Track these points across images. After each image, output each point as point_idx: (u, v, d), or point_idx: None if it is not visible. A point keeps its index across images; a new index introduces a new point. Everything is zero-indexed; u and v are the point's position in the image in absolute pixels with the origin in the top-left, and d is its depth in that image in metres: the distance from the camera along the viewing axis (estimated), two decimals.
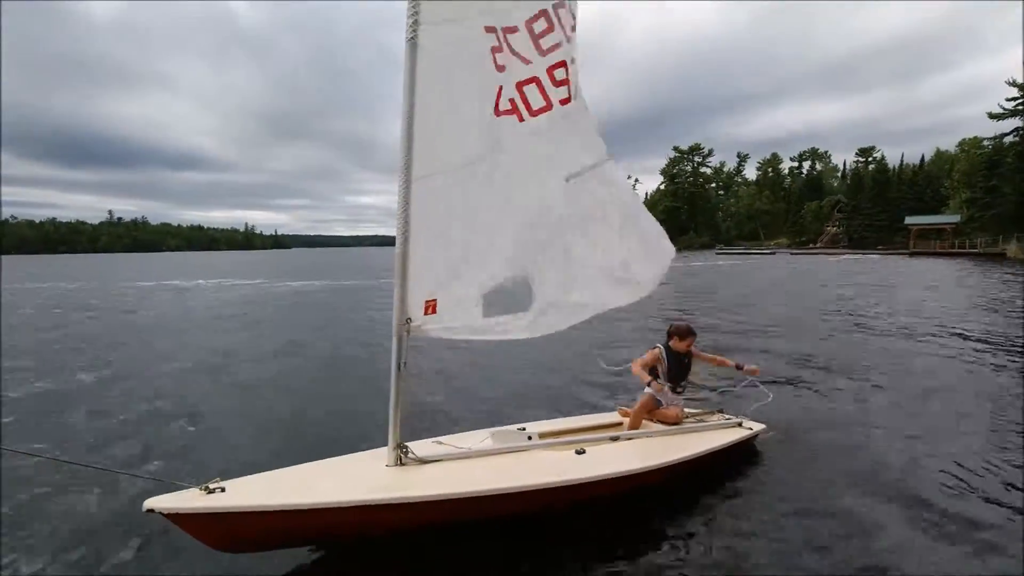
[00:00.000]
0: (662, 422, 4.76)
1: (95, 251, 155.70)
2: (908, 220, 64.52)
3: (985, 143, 60.42)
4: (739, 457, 4.65)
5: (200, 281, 31.66)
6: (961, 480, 4.25)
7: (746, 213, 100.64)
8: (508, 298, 3.57)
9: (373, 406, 5.86)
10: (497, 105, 3.37)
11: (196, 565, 3.14)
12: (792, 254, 66.68)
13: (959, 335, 10.67)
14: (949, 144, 78.72)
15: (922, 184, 72.98)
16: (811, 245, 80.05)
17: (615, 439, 4.24)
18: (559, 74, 3.43)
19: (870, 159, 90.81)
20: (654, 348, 4.91)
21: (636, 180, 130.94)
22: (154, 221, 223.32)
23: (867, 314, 13.89)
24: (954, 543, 3.36)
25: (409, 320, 3.41)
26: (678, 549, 3.33)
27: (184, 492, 2.81)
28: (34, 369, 8.63)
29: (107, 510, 3.87)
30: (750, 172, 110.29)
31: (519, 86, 3.39)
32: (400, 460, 3.40)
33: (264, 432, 5.60)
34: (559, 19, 3.42)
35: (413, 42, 3.29)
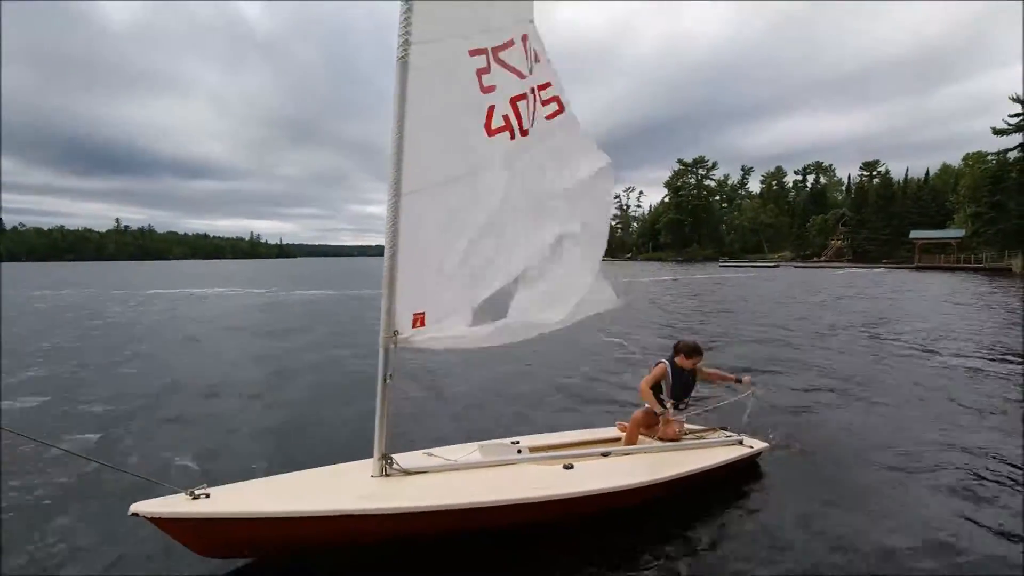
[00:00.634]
0: (660, 438, 4.67)
1: (101, 259, 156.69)
2: (913, 234, 64.42)
3: (989, 158, 60.46)
4: (739, 476, 4.53)
5: (218, 289, 32.09)
6: (968, 502, 4.11)
7: (750, 226, 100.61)
8: (492, 308, 3.62)
9: (368, 416, 5.89)
10: (489, 124, 3.45)
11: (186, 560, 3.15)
12: (796, 267, 66.54)
13: (969, 350, 10.63)
14: (955, 159, 78.80)
15: (927, 198, 72.92)
16: (815, 258, 79.91)
17: (606, 455, 4.19)
18: (546, 94, 3.52)
19: (874, 173, 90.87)
20: (659, 363, 4.81)
21: (640, 192, 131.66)
22: (161, 230, 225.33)
23: (875, 328, 13.83)
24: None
25: (396, 332, 3.45)
26: (660, 570, 3.27)
27: (170, 497, 2.86)
28: (56, 371, 8.77)
29: (96, 499, 4.10)
30: (754, 185, 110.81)
31: (513, 101, 3.47)
32: (385, 471, 3.43)
33: (257, 440, 5.64)
34: (527, 49, 3.54)
35: (404, 61, 3.37)
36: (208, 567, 3.10)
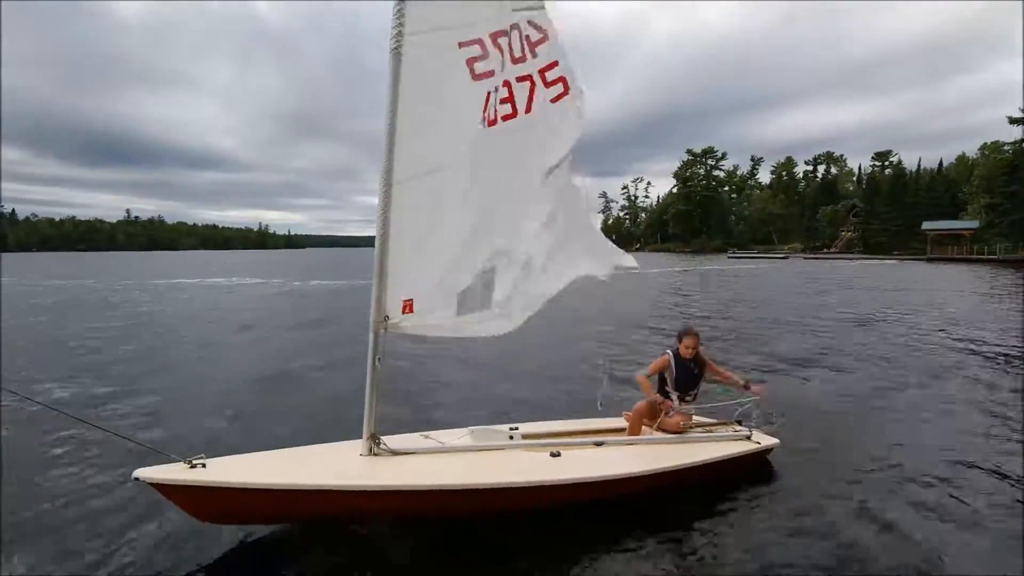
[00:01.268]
0: (663, 430, 4.61)
1: (112, 249, 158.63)
2: (925, 225, 63.66)
3: (1005, 148, 59.56)
4: (747, 473, 4.41)
5: (235, 279, 32.64)
6: (975, 493, 4.10)
7: (759, 217, 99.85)
8: (480, 297, 3.71)
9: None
10: (484, 111, 3.52)
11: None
12: (806, 259, 66.04)
13: (985, 343, 10.57)
14: (971, 149, 77.68)
15: (940, 189, 71.96)
16: (825, 250, 79.25)
17: (600, 444, 4.19)
18: (551, 74, 3.59)
19: (886, 163, 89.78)
20: (664, 354, 4.79)
21: (648, 183, 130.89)
22: (170, 220, 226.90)
23: (889, 322, 13.75)
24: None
25: (387, 318, 3.56)
26: (640, 563, 3.23)
27: (170, 465, 3.08)
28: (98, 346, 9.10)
29: (101, 467, 4.50)
30: (764, 176, 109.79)
31: (507, 86, 3.53)
32: (372, 450, 3.55)
33: (263, 418, 6.04)
34: (516, 38, 3.57)
35: (397, 52, 3.46)
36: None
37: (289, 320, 14.71)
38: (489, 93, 3.57)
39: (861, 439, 5.32)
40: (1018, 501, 4.04)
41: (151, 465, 3.03)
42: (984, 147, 71.72)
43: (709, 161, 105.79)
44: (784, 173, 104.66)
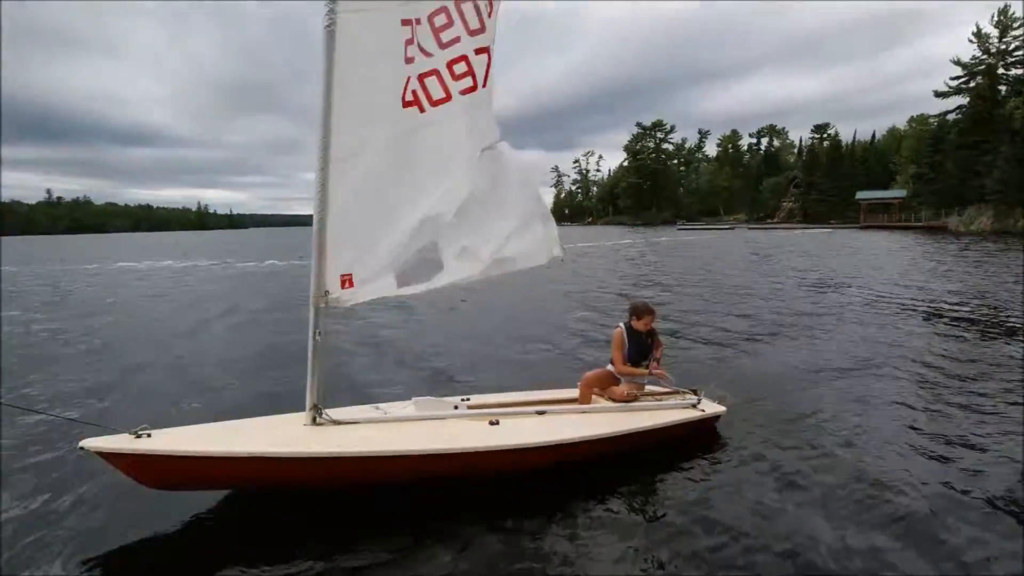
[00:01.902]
0: (612, 399, 4.70)
1: (29, 233, 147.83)
2: (859, 195, 67.27)
3: (931, 120, 63.25)
4: (692, 440, 4.46)
5: (170, 262, 30.85)
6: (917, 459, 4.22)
7: (707, 189, 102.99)
8: (419, 269, 3.88)
9: (330, 373, 6.23)
10: (403, 96, 3.63)
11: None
12: (750, 229, 68.80)
13: (914, 303, 11.56)
14: (901, 121, 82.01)
15: (872, 161, 76.02)
16: (769, 220, 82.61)
17: (541, 413, 4.26)
18: (459, 68, 3.70)
19: (825, 136, 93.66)
20: (616, 327, 4.92)
21: (600, 157, 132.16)
22: (98, 201, 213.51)
23: (827, 284, 14.66)
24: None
25: (327, 292, 3.70)
26: (563, 530, 3.28)
27: (115, 436, 3.23)
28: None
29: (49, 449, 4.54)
30: (711, 149, 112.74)
31: (421, 78, 3.65)
32: (315, 421, 3.72)
33: (214, 395, 6.18)
34: (461, 14, 3.66)
35: (331, 30, 3.52)
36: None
37: (239, 301, 14.42)
38: (423, 76, 3.68)
39: (805, 406, 5.42)
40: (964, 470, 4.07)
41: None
42: (912, 120, 75.88)
43: (658, 134, 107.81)
44: (730, 146, 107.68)
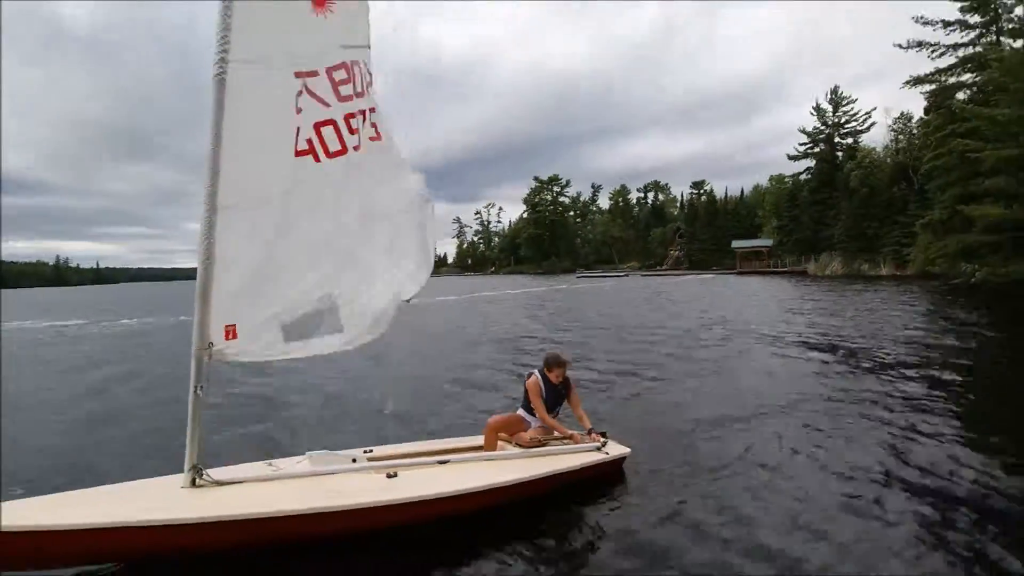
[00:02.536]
0: (520, 445, 4.69)
1: None
2: (734, 244, 74.52)
3: (787, 179, 72.30)
4: (598, 483, 4.49)
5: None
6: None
7: (601, 239, 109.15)
8: (310, 323, 3.80)
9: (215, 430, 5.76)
10: (296, 145, 3.68)
11: None
12: (643, 275, 73.51)
13: (795, 340, 12.73)
14: (763, 179, 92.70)
15: (743, 213, 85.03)
16: (658, 267, 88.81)
17: (444, 462, 4.19)
18: (354, 123, 3.84)
19: (702, 191, 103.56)
20: (531, 376, 4.94)
21: (500, 208, 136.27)
22: None
23: (720, 324, 15.94)
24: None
25: (211, 344, 3.53)
26: None
27: None
28: None
29: None
30: (603, 201, 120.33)
31: (316, 127, 3.73)
32: (195, 482, 3.46)
33: (82, 457, 5.61)
34: (357, 74, 3.84)
35: (221, 78, 3.51)
36: None
37: (105, 360, 12.96)
38: (318, 125, 3.76)
39: (706, 443, 5.61)
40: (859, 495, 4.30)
41: None
42: (772, 178, 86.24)
43: (555, 188, 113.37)
44: (620, 199, 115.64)
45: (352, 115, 3.82)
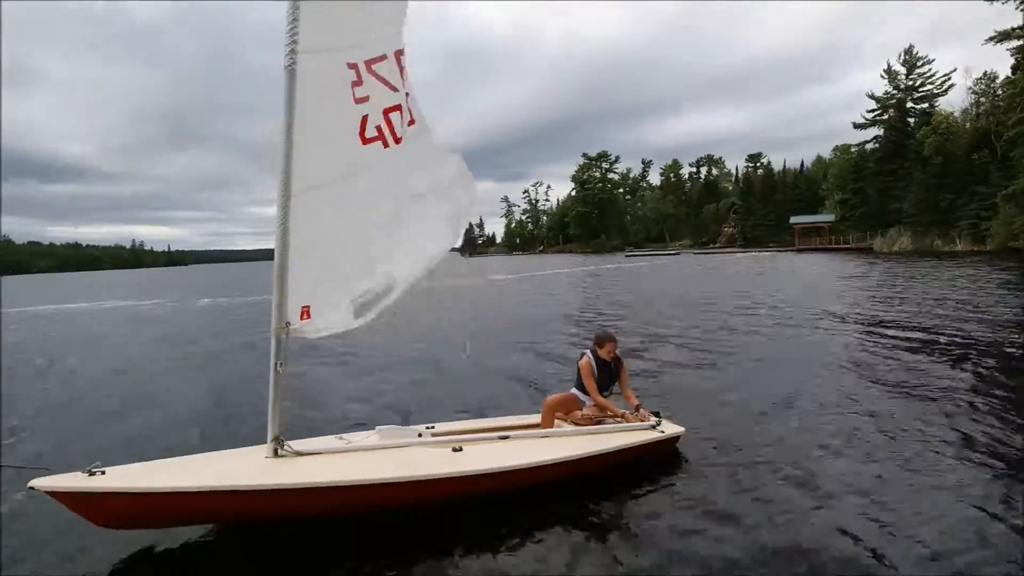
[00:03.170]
0: (575, 423, 4.85)
1: None
2: (792, 220, 71.30)
3: (852, 149, 68.28)
4: (654, 461, 4.57)
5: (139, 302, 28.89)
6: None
7: (652, 216, 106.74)
8: (372, 297, 4.02)
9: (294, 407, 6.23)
10: (363, 133, 3.80)
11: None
12: (695, 254, 71.59)
13: (857, 320, 12.16)
14: (826, 151, 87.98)
15: (803, 187, 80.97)
16: (712, 245, 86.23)
17: (505, 438, 4.35)
18: (405, 107, 3.97)
19: (758, 164, 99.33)
20: (583, 356, 5.07)
21: (548, 187, 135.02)
22: (19, 240, 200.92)
23: (776, 308, 14.96)
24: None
25: (288, 324, 3.74)
26: (527, 556, 3.33)
27: (67, 475, 3.14)
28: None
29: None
30: (654, 177, 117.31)
31: (386, 113, 3.85)
32: (277, 452, 3.72)
33: (170, 429, 6.10)
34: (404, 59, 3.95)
35: (291, 69, 3.66)
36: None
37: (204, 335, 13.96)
38: (387, 111, 3.88)
39: (761, 426, 5.53)
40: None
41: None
42: (836, 149, 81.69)
43: (604, 164, 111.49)
44: (672, 175, 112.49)
45: (408, 96, 3.93)
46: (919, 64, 57.63)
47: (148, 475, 3.31)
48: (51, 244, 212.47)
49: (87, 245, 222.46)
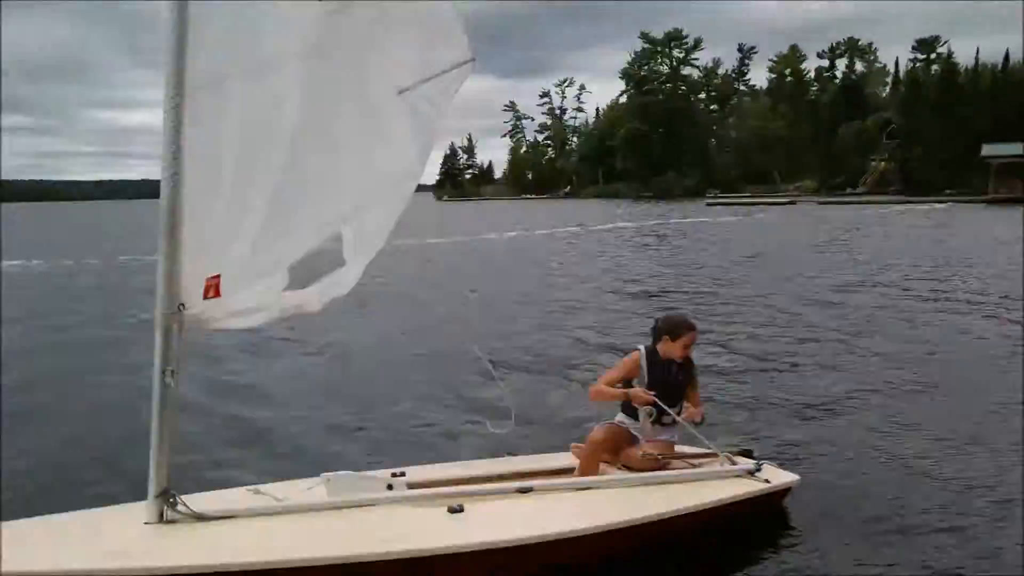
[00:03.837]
0: (626, 467, 4.90)
1: None
2: (985, 150, 70.32)
3: None
4: (752, 524, 4.66)
5: None
6: None
7: (754, 142, 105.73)
8: (318, 261, 4.06)
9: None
10: None
11: None
12: (821, 203, 71.22)
13: None
14: None
15: (1007, 95, 79.75)
16: (850, 188, 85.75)
17: (525, 491, 4.35)
18: None
19: (933, 57, 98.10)
20: (633, 351, 5.13)
21: (582, 88, 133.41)
22: None
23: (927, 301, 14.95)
24: None
25: (182, 307, 3.66)
26: None
27: None
28: None
29: None
30: (758, 77, 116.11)
31: None
32: (163, 516, 3.68)
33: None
34: None
35: None
36: None
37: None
38: None
39: (908, 475, 5.70)
40: None
41: None
42: None
43: (676, 52, 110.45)
44: (788, 72, 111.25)
45: None
46: None
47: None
48: None
49: None
